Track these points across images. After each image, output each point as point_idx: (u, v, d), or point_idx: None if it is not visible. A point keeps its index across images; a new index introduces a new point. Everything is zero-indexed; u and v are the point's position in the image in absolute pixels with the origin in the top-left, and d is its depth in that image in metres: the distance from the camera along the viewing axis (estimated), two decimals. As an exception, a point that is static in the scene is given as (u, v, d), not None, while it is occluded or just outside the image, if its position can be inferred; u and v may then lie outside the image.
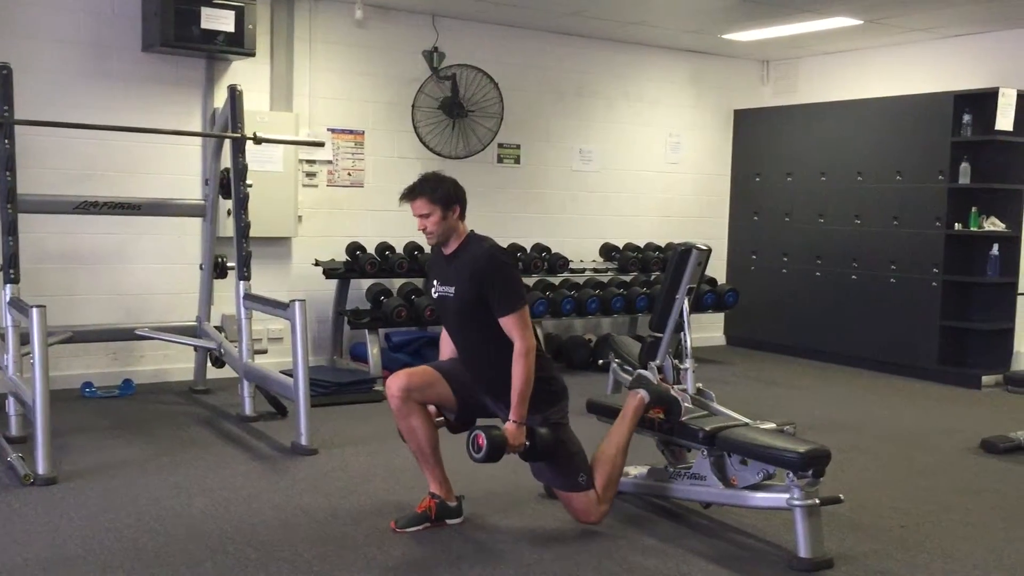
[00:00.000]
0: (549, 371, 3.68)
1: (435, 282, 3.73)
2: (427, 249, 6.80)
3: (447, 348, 3.84)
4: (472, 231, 3.70)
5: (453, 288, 3.63)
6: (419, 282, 6.90)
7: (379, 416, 5.57)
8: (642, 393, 3.86)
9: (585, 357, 7.21)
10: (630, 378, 5.25)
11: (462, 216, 3.65)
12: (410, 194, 3.62)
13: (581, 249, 7.80)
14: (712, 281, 7.90)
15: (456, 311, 3.65)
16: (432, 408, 3.69)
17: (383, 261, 6.70)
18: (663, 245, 8.06)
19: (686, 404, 3.95)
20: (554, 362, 3.82)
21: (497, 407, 3.68)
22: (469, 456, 3.52)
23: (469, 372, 3.69)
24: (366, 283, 6.83)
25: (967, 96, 6.97)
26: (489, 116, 7.34)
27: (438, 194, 3.58)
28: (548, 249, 7.46)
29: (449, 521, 3.69)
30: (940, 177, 7.06)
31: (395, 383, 3.58)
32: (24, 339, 4.49)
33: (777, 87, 8.84)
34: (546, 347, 6.24)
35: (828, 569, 3.36)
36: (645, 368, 4.40)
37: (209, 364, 5.90)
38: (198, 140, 6.31)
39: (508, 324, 3.51)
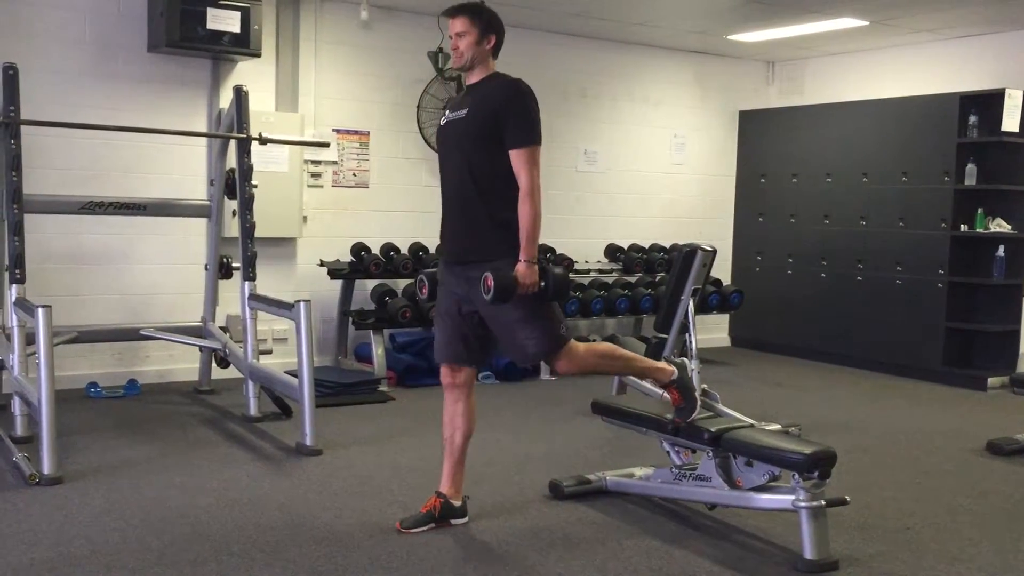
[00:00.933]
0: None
1: (447, 111, 3.61)
2: (432, 249, 6.80)
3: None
4: (499, 72, 3.59)
5: (467, 109, 3.49)
6: (424, 283, 6.88)
7: (384, 416, 5.57)
8: (675, 369, 3.77)
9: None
10: (635, 379, 5.25)
11: (495, 52, 3.57)
12: (454, 11, 3.54)
13: (586, 250, 7.80)
14: (717, 282, 7.89)
15: (461, 133, 3.48)
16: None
17: (388, 262, 6.70)
18: (668, 246, 8.06)
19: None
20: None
21: (473, 271, 3.45)
22: (481, 298, 3.40)
23: (450, 218, 3.56)
24: (371, 283, 6.83)
25: (973, 97, 6.95)
26: (494, 117, 7.32)
27: (481, 18, 3.51)
28: (553, 250, 7.46)
29: (454, 521, 3.69)
30: (946, 178, 7.04)
31: (443, 373, 3.66)
32: (30, 339, 4.49)
33: (783, 88, 8.83)
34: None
35: (834, 571, 3.35)
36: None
37: (214, 364, 5.90)
38: (203, 141, 6.31)
39: (518, 157, 3.41)
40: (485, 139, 3.45)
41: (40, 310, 4.19)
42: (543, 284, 3.42)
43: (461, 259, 3.55)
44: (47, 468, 4.09)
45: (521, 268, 3.40)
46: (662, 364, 3.80)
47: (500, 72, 3.61)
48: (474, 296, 3.48)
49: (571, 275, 7.45)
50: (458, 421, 3.66)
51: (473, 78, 3.59)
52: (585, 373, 3.68)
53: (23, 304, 4.53)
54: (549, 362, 3.60)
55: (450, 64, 3.63)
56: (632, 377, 5.24)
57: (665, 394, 3.81)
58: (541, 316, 3.47)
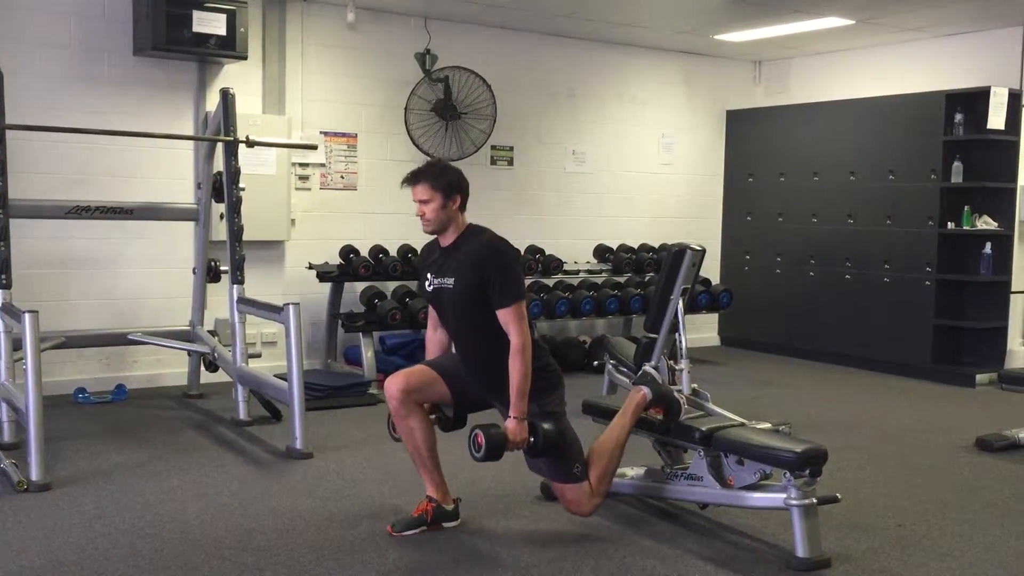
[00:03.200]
0: (545, 359, 3.63)
1: (429, 275, 3.67)
2: (420, 249, 6.79)
3: (434, 346, 3.80)
4: (471, 224, 3.66)
5: (453, 279, 3.57)
6: (413, 284, 6.87)
7: (374, 419, 5.55)
8: (645, 390, 3.84)
9: (580, 358, 7.20)
10: (625, 379, 5.25)
11: (463, 207, 3.60)
12: (413, 178, 3.57)
13: (575, 250, 7.80)
14: (706, 282, 7.90)
15: (454, 303, 3.60)
16: (427, 405, 3.68)
17: (377, 264, 6.69)
18: (657, 246, 8.07)
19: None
20: (548, 350, 3.75)
21: (494, 401, 3.66)
22: (471, 455, 3.50)
23: (465, 366, 3.66)
24: (360, 286, 6.81)
25: (959, 95, 6.99)
26: (482, 118, 7.33)
27: (441, 181, 3.53)
28: (542, 251, 7.46)
29: (446, 524, 3.68)
30: (933, 176, 7.07)
31: (394, 384, 3.57)
32: (16, 344, 4.46)
33: (769, 87, 8.85)
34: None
35: (826, 568, 3.36)
36: (640, 369, 4.39)
37: (203, 368, 5.88)
38: (190, 144, 6.29)
39: (506, 317, 3.47)
40: (478, 306, 3.52)
41: (27, 315, 4.16)
42: (532, 440, 3.49)
43: (486, 389, 3.66)
44: (35, 475, 4.06)
45: (511, 425, 3.46)
46: (635, 401, 3.83)
47: (473, 227, 3.65)
48: (488, 398, 3.67)
49: (562, 276, 7.49)
50: (416, 434, 3.61)
51: (447, 240, 3.62)
52: (604, 497, 3.71)
53: (9, 309, 4.50)
54: (564, 503, 3.68)
55: (424, 231, 3.68)
56: (622, 377, 5.28)
57: (651, 412, 3.84)
58: (556, 453, 3.56)
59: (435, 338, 3.80)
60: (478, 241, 3.58)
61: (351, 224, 6.94)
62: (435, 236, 3.66)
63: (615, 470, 3.77)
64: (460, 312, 3.61)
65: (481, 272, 3.49)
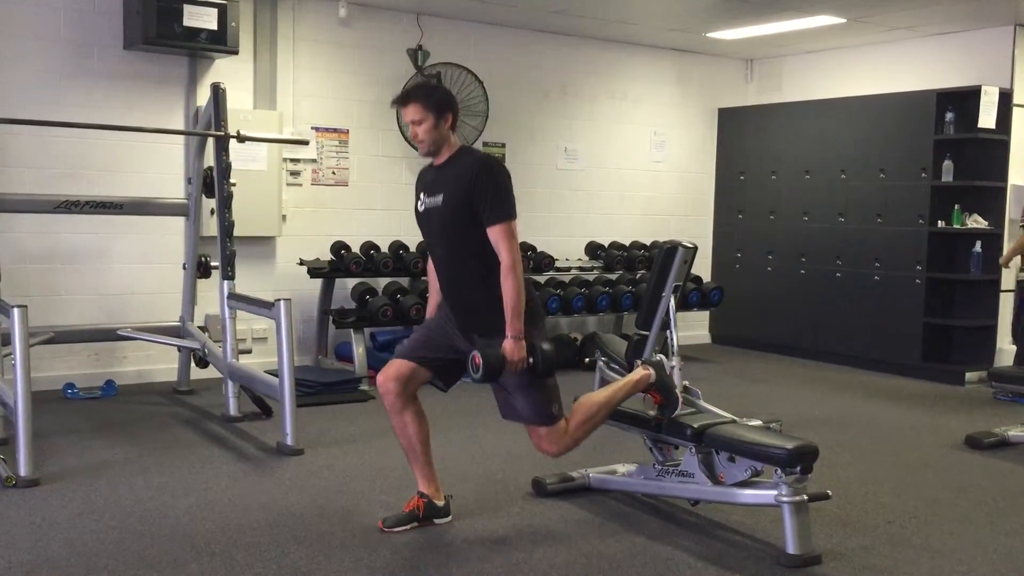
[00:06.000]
0: (529, 292, 3.54)
1: (422, 194, 3.59)
2: (413, 248, 6.79)
3: (435, 286, 3.73)
4: (464, 144, 3.59)
5: (441, 196, 3.47)
6: (404, 281, 6.87)
7: (365, 416, 5.54)
8: (652, 371, 3.81)
9: (571, 356, 7.20)
10: (617, 376, 5.24)
11: (454, 126, 3.54)
12: (404, 99, 3.50)
13: (566, 248, 7.80)
14: (697, 279, 7.92)
15: (442, 221, 3.49)
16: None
17: (368, 260, 6.67)
18: (648, 243, 8.07)
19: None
20: (532, 282, 3.70)
21: (479, 336, 3.50)
22: (470, 377, 3.42)
23: (449, 298, 3.57)
24: (351, 282, 6.80)
25: (950, 94, 7.01)
26: (474, 114, 7.32)
27: (432, 100, 3.47)
28: (533, 248, 7.45)
29: (437, 520, 3.67)
30: (923, 175, 7.09)
31: (386, 378, 3.55)
32: (5, 340, 4.43)
33: (761, 86, 8.86)
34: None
35: (816, 565, 3.36)
36: (631, 368, 4.39)
37: (193, 364, 5.86)
38: (181, 139, 6.26)
39: (495, 234, 3.39)
40: (466, 225, 3.44)
41: (15, 310, 4.14)
42: (531, 360, 3.41)
43: (467, 331, 3.55)
44: (24, 470, 4.04)
45: (508, 345, 3.38)
46: (638, 375, 3.82)
47: (465, 147, 3.61)
48: (468, 348, 3.48)
49: (553, 273, 7.48)
50: (410, 429, 3.59)
51: (440, 159, 3.56)
52: (578, 445, 3.69)
53: (-2, 304, 4.48)
54: (536, 441, 3.62)
55: (419, 153, 3.58)
56: (614, 375, 5.27)
57: (646, 396, 3.83)
58: (538, 387, 3.51)
59: (435, 279, 3.72)
60: (470, 158, 3.52)
61: (342, 220, 6.92)
62: (430, 159, 3.58)
63: (595, 425, 3.72)
64: (448, 232, 3.49)
65: (472, 187, 3.40)
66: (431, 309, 3.76)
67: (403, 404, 3.55)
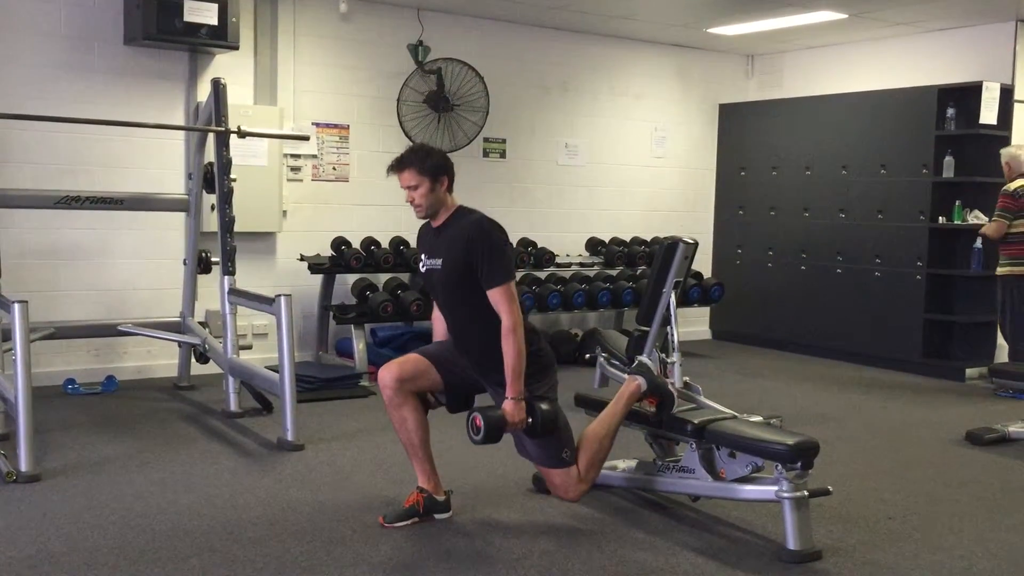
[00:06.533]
0: (536, 344, 3.60)
1: (423, 256, 3.67)
2: (412, 243, 6.77)
3: (440, 326, 3.79)
4: (461, 205, 3.63)
5: (441, 260, 3.56)
6: (405, 277, 6.87)
7: (365, 411, 5.55)
8: (640, 380, 3.83)
9: (572, 351, 7.20)
10: (617, 372, 5.24)
11: (450, 188, 3.59)
12: (398, 165, 3.54)
13: (567, 243, 7.80)
14: (698, 275, 7.92)
15: (444, 284, 3.58)
16: (429, 396, 3.68)
17: (368, 256, 6.67)
18: (649, 239, 8.07)
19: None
20: (540, 333, 3.74)
21: (489, 385, 3.63)
22: (469, 439, 3.48)
23: (459, 348, 3.65)
24: (351, 278, 6.80)
25: (951, 90, 7.00)
26: (475, 110, 7.32)
27: (427, 165, 3.51)
28: (534, 243, 7.45)
29: (437, 516, 3.67)
30: (924, 171, 7.09)
31: (387, 374, 3.56)
32: (6, 335, 4.43)
33: (762, 81, 8.85)
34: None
35: (816, 561, 3.36)
36: (632, 363, 4.39)
37: (193, 360, 5.86)
38: (181, 134, 6.26)
39: (495, 297, 3.44)
40: (466, 286, 3.50)
41: (16, 306, 4.13)
42: (530, 420, 3.47)
43: (480, 371, 3.63)
44: (24, 466, 4.04)
45: (508, 406, 3.44)
46: (628, 391, 3.83)
47: (462, 208, 3.63)
48: (481, 382, 3.63)
49: (554, 269, 7.48)
50: (409, 424, 3.60)
51: (438, 221, 3.61)
52: (593, 483, 3.72)
53: (-1, 300, 4.48)
54: (552, 489, 3.69)
55: (417, 216, 3.67)
56: (614, 371, 5.26)
57: (644, 404, 3.84)
58: (554, 433, 3.55)
59: (439, 318, 3.79)
60: (467, 221, 3.56)
61: (343, 216, 6.92)
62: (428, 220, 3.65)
63: (604, 458, 3.76)
64: (450, 292, 3.59)
65: (468, 251, 3.46)
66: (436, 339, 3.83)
67: (402, 399, 3.56)
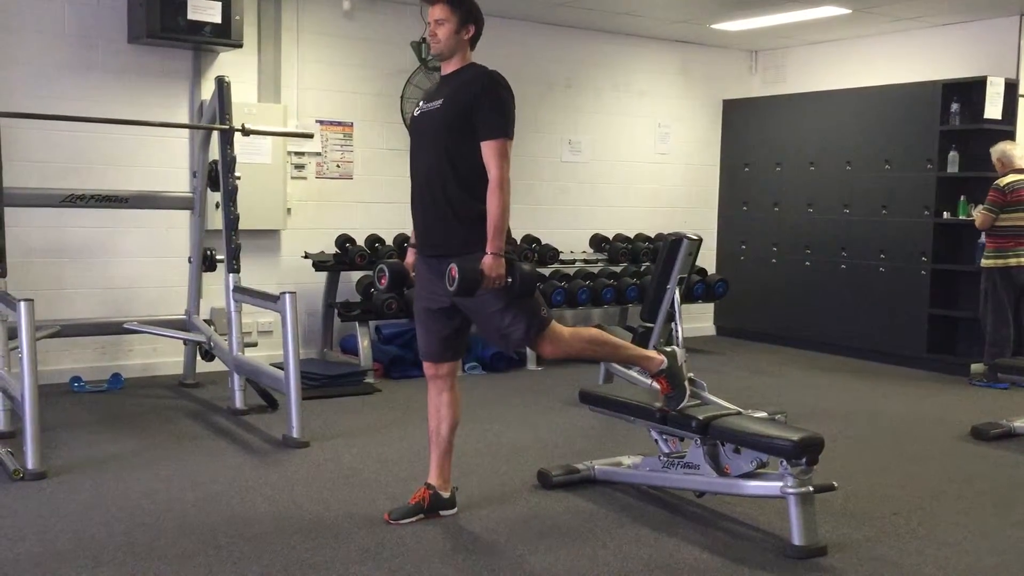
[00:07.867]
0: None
1: (421, 103, 3.57)
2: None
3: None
4: (476, 62, 3.55)
5: (441, 100, 3.45)
6: (409, 274, 6.87)
7: (370, 408, 5.56)
8: (665, 359, 3.73)
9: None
10: (621, 369, 5.25)
11: (473, 42, 3.53)
12: None
13: (571, 240, 7.79)
14: (702, 271, 7.91)
15: (436, 125, 3.43)
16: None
17: (373, 253, 6.67)
18: (653, 236, 8.06)
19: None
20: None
21: (439, 279, 3.39)
22: (446, 292, 3.36)
23: (426, 217, 3.49)
24: (356, 275, 6.80)
25: (955, 85, 6.98)
26: (478, 107, 7.30)
27: (461, 6, 3.46)
28: (538, 240, 7.45)
29: (443, 512, 3.68)
30: (928, 166, 7.08)
31: (436, 372, 3.61)
32: (12, 333, 4.45)
33: (766, 77, 8.84)
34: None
35: (822, 557, 3.36)
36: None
37: (199, 358, 5.87)
38: (185, 132, 6.26)
39: (488, 149, 3.36)
40: (459, 130, 3.40)
41: (22, 304, 4.14)
42: (509, 279, 3.34)
43: (436, 252, 3.49)
44: (31, 463, 4.06)
45: (487, 261, 3.30)
46: (651, 353, 3.79)
47: (477, 63, 3.57)
48: (446, 289, 3.39)
49: (558, 266, 7.48)
50: (443, 412, 3.64)
51: (449, 67, 3.54)
52: (571, 357, 3.67)
53: (5, 298, 4.48)
54: (533, 346, 3.57)
55: (431, 54, 3.56)
56: (617, 365, 5.26)
57: (654, 383, 3.80)
58: (521, 301, 3.43)
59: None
60: (480, 70, 3.49)
61: (347, 213, 6.93)
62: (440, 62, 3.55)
63: (592, 353, 3.71)
64: (440, 138, 3.42)
65: (475, 96, 3.38)
66: (409, 259, 3.73)
67: (444, 385, 3.61)
